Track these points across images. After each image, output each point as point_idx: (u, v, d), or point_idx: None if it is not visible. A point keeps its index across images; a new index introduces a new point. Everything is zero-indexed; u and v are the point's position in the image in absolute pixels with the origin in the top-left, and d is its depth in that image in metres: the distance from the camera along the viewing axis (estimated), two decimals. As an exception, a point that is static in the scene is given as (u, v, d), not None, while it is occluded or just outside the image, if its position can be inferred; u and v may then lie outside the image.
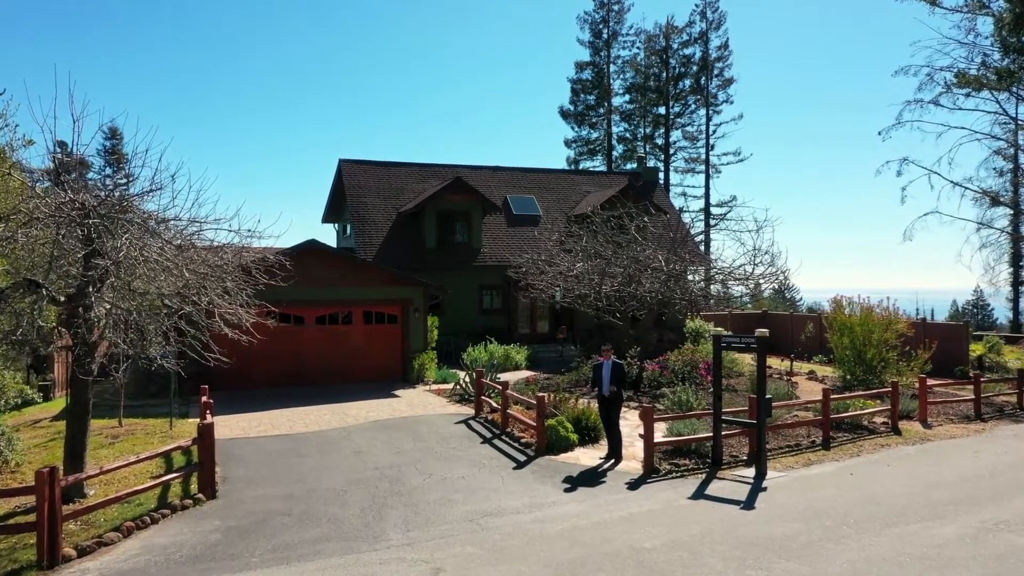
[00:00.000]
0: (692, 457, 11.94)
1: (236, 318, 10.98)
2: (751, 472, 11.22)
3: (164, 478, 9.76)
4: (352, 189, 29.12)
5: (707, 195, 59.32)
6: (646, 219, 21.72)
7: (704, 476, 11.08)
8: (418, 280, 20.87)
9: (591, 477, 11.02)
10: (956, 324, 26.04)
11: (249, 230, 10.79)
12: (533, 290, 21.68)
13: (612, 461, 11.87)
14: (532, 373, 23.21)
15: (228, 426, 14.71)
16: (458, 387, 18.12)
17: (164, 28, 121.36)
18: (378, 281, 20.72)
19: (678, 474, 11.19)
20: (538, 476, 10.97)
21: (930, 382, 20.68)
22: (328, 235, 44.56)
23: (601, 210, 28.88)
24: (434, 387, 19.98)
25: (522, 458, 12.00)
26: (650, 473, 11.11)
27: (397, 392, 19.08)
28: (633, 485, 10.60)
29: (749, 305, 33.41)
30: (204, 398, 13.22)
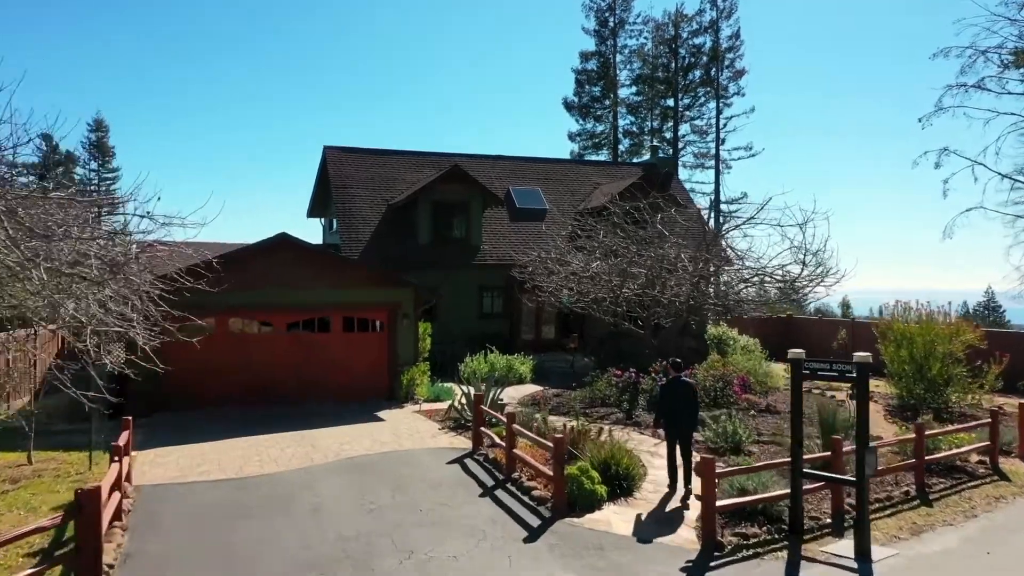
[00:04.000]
0: (760, 522, 8.97)
1: (134, 334, 8.02)
2: (846, 547, 8.27)
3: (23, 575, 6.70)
4: (337, 179, 26.16)
5: (717, 191, 56.38)
6: (674, 210, 18.76)
7: (785, 554, 8.13)
8: (408, 281, 17.90)
9: (630, 553, 8.07)
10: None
11: (149, 213, 7.76)
12: (540, 293, 18.72)
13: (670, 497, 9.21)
14: (538, 388, 20.26)
15: (164, 464, 11.77)
16: (453, 410, 15.12)
17: (146, 19, 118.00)
18: (361, 282, 17.76)
19: (748, 550, 8.23)
20: (558, 553, 8.01)
21: (999, 400, 17.82)
22: (314, 230, 41.65)
23: (619, 202, 25.96)
24: (425, 407, 17.03)
25: (535, 522, 9.02)
26: (711, 549, 8.16)
27: (381, 414, 16.12)
28: (692, 571, 7.65)
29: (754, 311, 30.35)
30: (122, 437, 10.21)
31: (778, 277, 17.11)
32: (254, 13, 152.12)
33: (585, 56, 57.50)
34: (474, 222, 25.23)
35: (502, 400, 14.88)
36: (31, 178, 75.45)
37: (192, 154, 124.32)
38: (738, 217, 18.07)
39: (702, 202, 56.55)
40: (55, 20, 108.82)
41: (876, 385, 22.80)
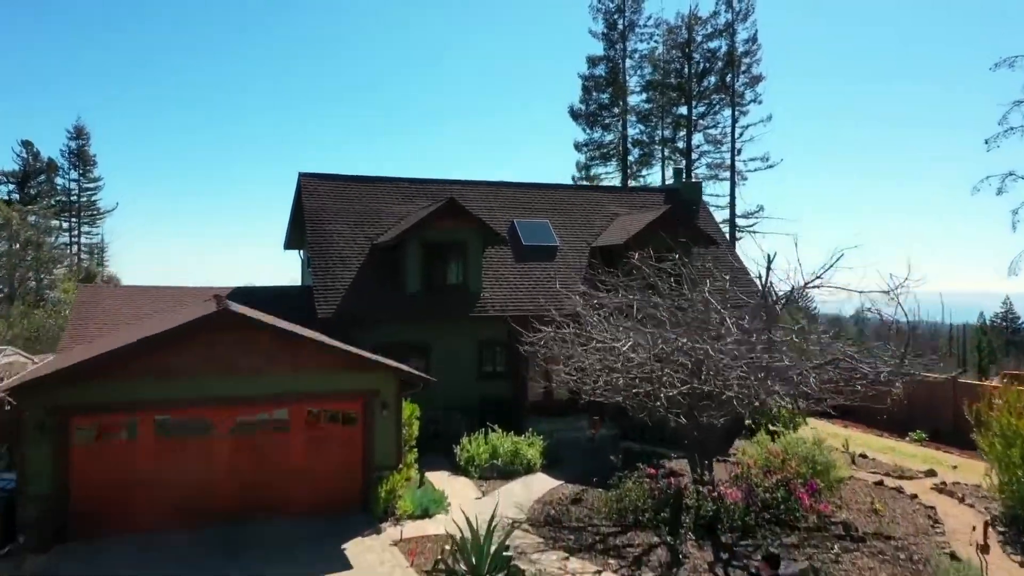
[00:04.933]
0: None
1: None
2: None
3: None
4: (312, 213, 22.36)
5: (732, 204, 52.97)
6: (726, 278, 14.94)
7: None
8: (386, 364, 14.06)
9: None
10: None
11: None
12: (555, 376, 14.89)
13: None
14: (552, 483, 16.52)
15: None
16: (442, 562, 11.22)
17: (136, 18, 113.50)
18: (328, 364, 13.94)
19: None
20: None
21: None
22: (292, 265, 36.11)
23: (640, 243, 22.15)
24: (408, 530, 13.20)
25: None
26: None
27: (348, 550, 12.27)
28: None
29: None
30: None
31: (866, 366, 13.26)
32: (246, 9, 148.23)
33: (592, 61, 53.97)
34: (472, 265, 21.43)
35: (508, 549, 11.04)
36: (11, 187, 71.55)
37: (175, 169, 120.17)
38: (741, 230, 14.23)
39: (716, 216, 52.92)
40: (38, 22, 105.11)
41: (954, 465, 19.07)
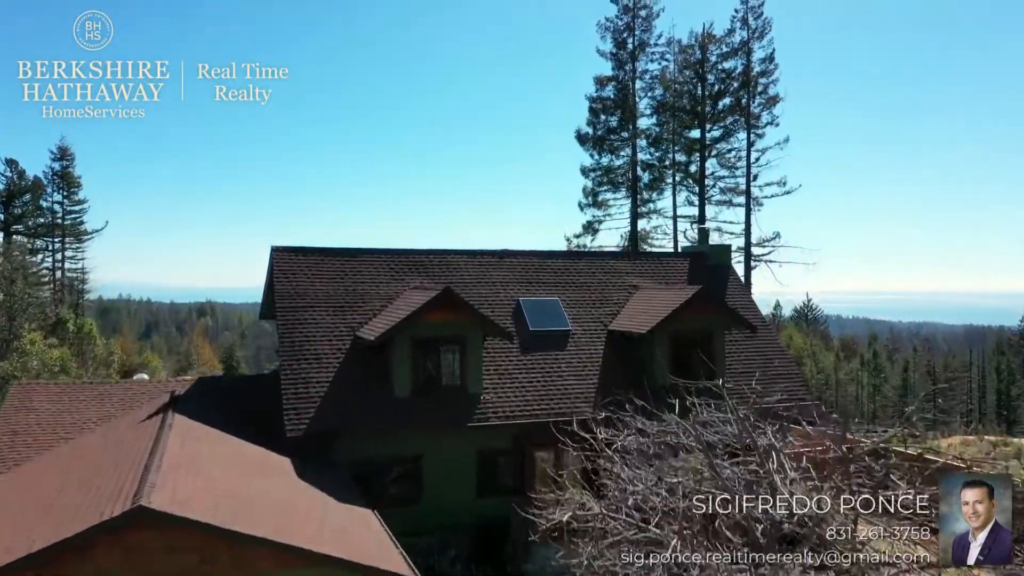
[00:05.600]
0: None
1: None
2: None
3: None
4: (285, 297, 19.19)
5: (747, 232, 49.82)
6: (790, 441, 11.72)
7: None
8: (362, 565, 10.86)
9: None
10: None
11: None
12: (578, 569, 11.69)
13: None
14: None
15: None
16: None
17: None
18: (283, 563, 10.76)
19: None
20: None
21: None
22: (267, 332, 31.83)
23: (664, 330, 19.07)
24: None
25: None
26: None
27: None
28: None
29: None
30: None
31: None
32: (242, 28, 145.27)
33: (600, 82, 50.83)
34: (471, 363, 18.27)
35: None
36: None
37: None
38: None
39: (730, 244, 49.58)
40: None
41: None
